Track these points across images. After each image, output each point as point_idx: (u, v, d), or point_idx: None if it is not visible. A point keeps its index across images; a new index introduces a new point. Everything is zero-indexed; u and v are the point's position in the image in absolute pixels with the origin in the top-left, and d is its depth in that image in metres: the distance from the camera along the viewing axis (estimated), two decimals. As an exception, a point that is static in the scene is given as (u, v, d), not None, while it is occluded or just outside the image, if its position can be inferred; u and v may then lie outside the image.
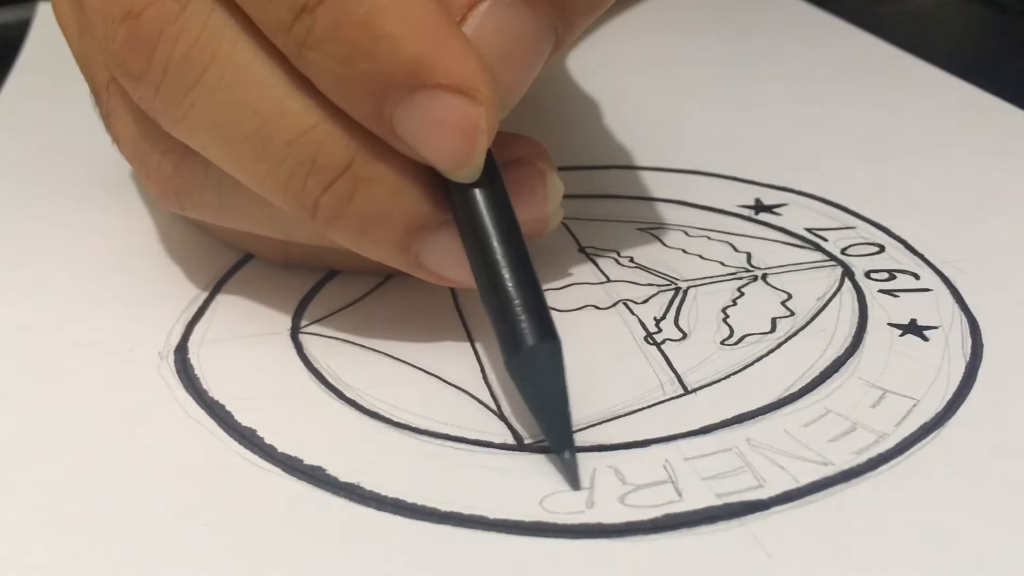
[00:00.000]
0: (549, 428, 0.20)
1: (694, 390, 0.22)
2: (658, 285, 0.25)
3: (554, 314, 0.24)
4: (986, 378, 0.22)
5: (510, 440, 0.21)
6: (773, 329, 0.24)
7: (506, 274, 0.20)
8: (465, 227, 0.21)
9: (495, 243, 0.21)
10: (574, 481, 0.19)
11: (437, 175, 0.21)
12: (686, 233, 0.28)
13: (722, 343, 0.23)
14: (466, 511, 0.19)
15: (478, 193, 0.21)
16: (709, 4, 0.46)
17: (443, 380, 0.22)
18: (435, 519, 0.19)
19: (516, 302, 0.20)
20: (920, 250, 0.26)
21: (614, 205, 0.29)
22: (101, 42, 0.21)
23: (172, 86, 0.21)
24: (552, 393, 0.20)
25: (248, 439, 0.21)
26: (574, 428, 0.21)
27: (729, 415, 0.21)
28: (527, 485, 0.19)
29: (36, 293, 0.26)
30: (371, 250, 0.22)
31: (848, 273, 0.26)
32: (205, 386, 0.22)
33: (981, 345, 0.23)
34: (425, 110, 0.20)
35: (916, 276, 0.25)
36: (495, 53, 0.21)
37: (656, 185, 0.30)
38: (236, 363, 0.23)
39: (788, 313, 0.24)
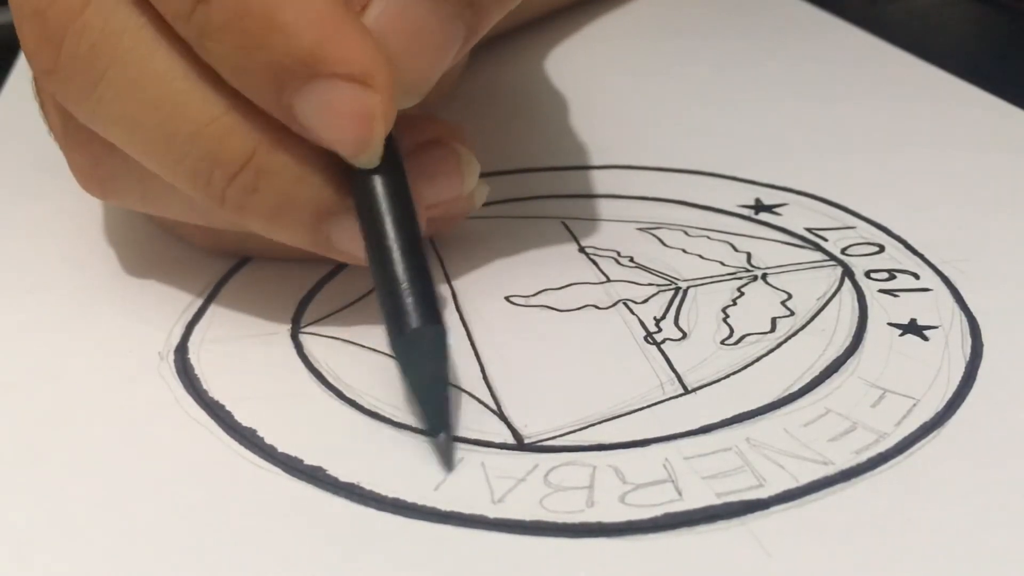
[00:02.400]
0: (426, 410, 0.21)
1: (694, 390, 0.22)
2: (658, 285, 0.25)
3: (552, 313, 0.24)
4: (986, 378, 0.22)
5: (510, 440, 0.21)
6: (773, 329, 0.24)
7: (396, 258, 0.21)
8: (363, 211, 0.21)
9: (388, 227, 0.21)
10: (448, 463, 0.20)
11: (341, 160, 0.21)
12: (686, 233, 0.28)
13: (722, 343, 0.23)
14: (466, 511, 0.19)
15: (376, 179, 0.21)
16: (709, 4, 0.46)
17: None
18: (435, 519, 0.19)
19: (404, 285, 0.21)
20: (920, 250, 0.26)
21: (614, 205, 0.29)
22: (20, 38, 0.22)
23: (80, 81, 0.21)
24: (433, 376, 0.21)
25: (248, 439, 0.21)
26: (574, 428, 0.21)
27: (729, 415, 0.21)
28: (527, 484, 0.19)
29: (36, 293, 0.26)
30: (283, 235, 0.22)
31: (848, 273, 0.26)
32: (205, 386, 0.22)
33: (981, 345, 0.23)
34: (322, 98, 0.20)
35: (916, 276, 0.25)
36: (398, 42, 0.21)
37: (656, 185, 0.30)
38: (236, 363, 0.23)
39: (788, 313, 0.24)
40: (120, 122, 0.21)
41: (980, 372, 0.22)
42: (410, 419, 0.21)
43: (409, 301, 0.20)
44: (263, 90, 0.20)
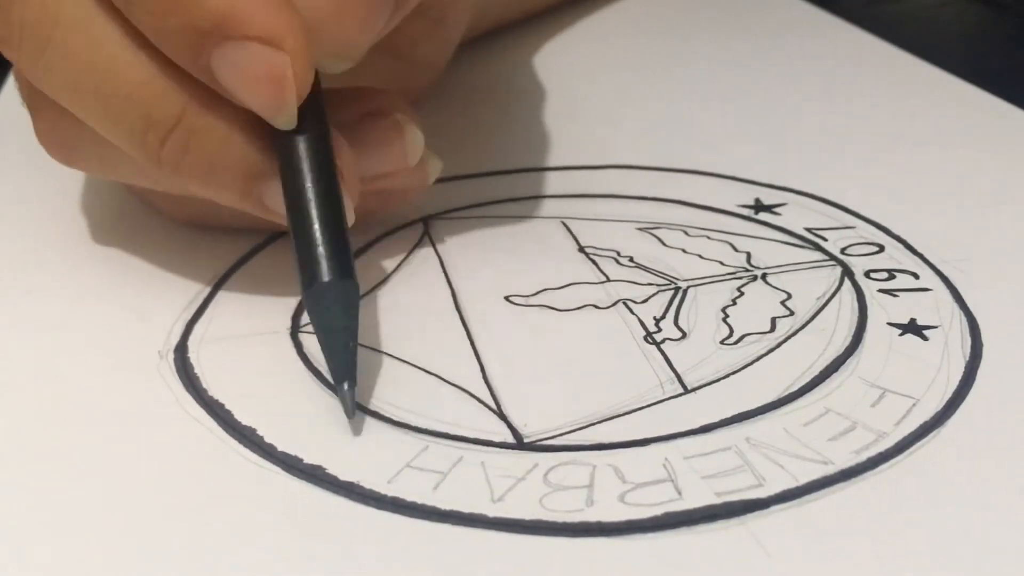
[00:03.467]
0: (333, 360, 0.21)
1: (694, 389, 0.22)
2: (658, 285, 0.25)
3: (552, 313, 0.24)
4: (985, 377, 0.22)
5: (510, 439, 0.21)
6: (773, 329, 0.24)
7: (313, 214, 0.22)
8: (284, 171, 0.22)
9: (306, 186, 0.22)
10: (349, 411, 0.21)
11: (269, 125, 0.22)
12: (686, 233, 0.28)
13: (722, 342, 0.23)
14: (466, 510, 0.19)
15: (297, 140, 0.22)
16: (709, 4, 0.46)
17: (443, 379, 0.22)
18: (435, 518, 0.19)
19: (318, 240, 0.21)
20: (920, 250, 0.26)
21: (614, 205, 0.29)
22: None
23: (29, 48, 0.22)
24: (342, 329, 0.21)
25: (248, 438, 0.21)
26: (573, 427, 0.21)
27: (729, 414, 0.21)
28: (527, 484, 0.19)
29: (36, 293, 0.26)
30: (218, 195, 0.23)
31: (848, 273, 0.26)
32: (205, 385, 0.22)
33: (981, 345, 0.23)
34: (235, 60, 0.21)
35: (916, 276, 0.25)
36: (321, 7, 0.22)
37: (656, 185, 0.30)
38: (236, 362, 0.23)
39: (788, 313, 0.24)
40: (65, 86, 0.22)
41: (980, 372, 0.22)
42: (410, 417, 0.21)
43: (320, 254, 0.21)
44: (183, 52, 0.21)
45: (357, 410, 0.21)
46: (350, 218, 0.23)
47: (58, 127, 0.24)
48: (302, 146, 0.22)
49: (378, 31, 0.23)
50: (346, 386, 0.21)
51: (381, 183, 0.26)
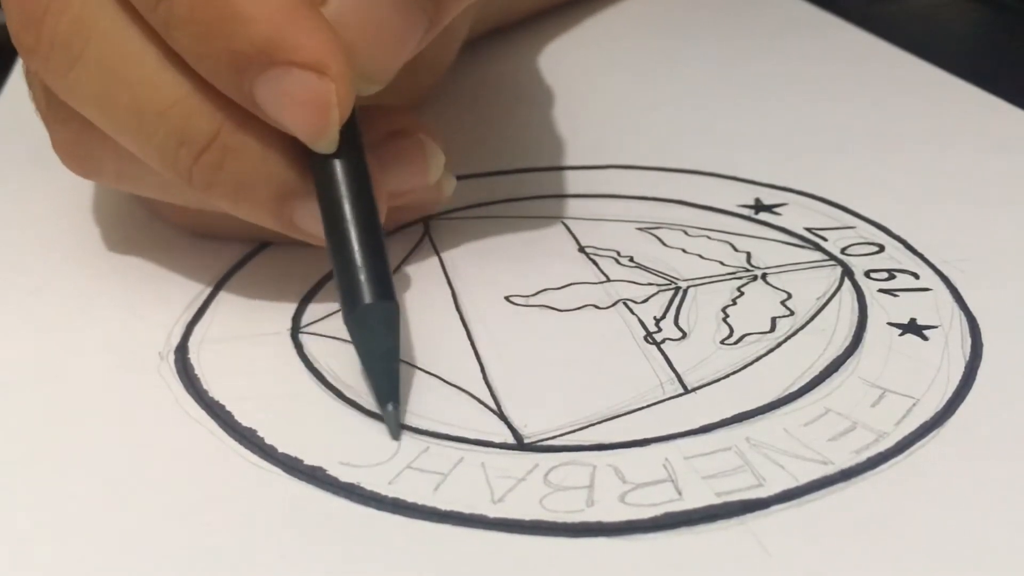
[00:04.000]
0: (377, 382, 0.21)
1: (694, 389, 0.22)
2: (658, 285, 0.25)
3: (552, 313, 0.24)
4: (986, 377, 0.22)
5: (510, 439, 0.21)
6: (773, 328, 0.24)
7: (352, 238, 0.22)
8: (322, 193, 0.22)
9: (345, 209, 0.22)
10: (394, 432, 0.21)
11: (303, 144, 0.22)
12: (686, 233, 0.28)
13: (722, 342, 0.23)
14: (466, 510, 0.19)
15: (335, 163, 0.22)
16: (710, 4, 0.46)
17: (443, 380, 0.22)
18: (435, 518, 0.19)
19: (359, 263, 0.22)
20: (920, 250, 0.26)
21: (614, 205, 0.29)
22: (6, 17, 0.23)
23: (58, 60, 0.22)
24: (384, 350, 0.22)
25: (248, 439, 0.21)
26: (573, 428, 0.21)
27: (729, 414, 0.21)
28: (527, 484, 0.19)
29: (37, 293, 0.26)
30: (248, 214, 0.23)
31: (848, 273, 0.26)
32: (205, 386, 0.22)
33: (981, 344, 0.23)
34: (279, 85, 0.21)
35: (916, 276, 0.25)
36: (358, 32, 0.22)
37: (656, 185, 0.30)
38: (236, 363, 0.23)
39: (788, 312, 0.24)
40: (95, 100, 0.22)
41: (980, 372, 0.22)
42: (410, 418, 0.21)
43: (362, 278, 0.21)
44: (224, 77, 0.21)
45: (362, 413, 0.21)
46: None
47: (79, 140, 0.24)
48: (340, 169, 0.22)
49: (408, 54, 0.23)
50: (391, 407, 0.21)
51: (402, 199, 0.26)
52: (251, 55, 0.21)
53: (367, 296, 0.21)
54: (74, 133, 0.24)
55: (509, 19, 0.41)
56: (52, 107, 0.24)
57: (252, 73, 0.21)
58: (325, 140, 0.22)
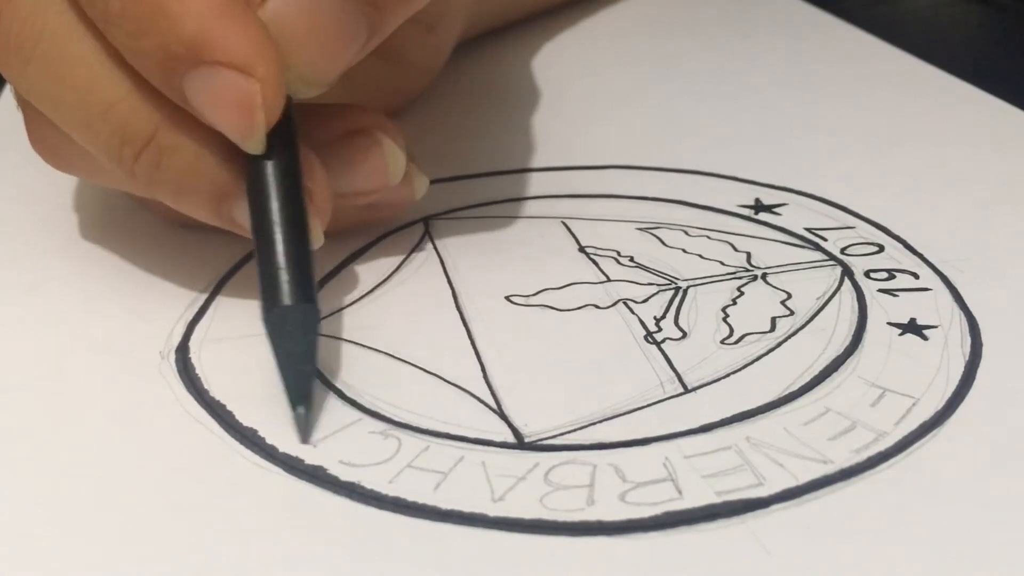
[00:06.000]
0: (289, 383, 0.21)
1: (694, 389, 0.22)
2: (658, 284, 0.25)
3: (553, 313, 0.24)
4: (985, 377, 0.22)
5: (510, 439, 0.21)
6: (773, 328, 0.24)
7: (277, 238, 0.22)
8: (252, 194, 0.22)
9: (272, 210, 0.22)
10: (304, 435, 0.21)
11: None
12: (686, 233, 0.28)
13: (722, 342, 0.23)
14: (467, 509, 0.19)
15: (265, 164, 0.22)
16: (709, 4, 0.46)
17: (443, 379, 0.22)
18: (436, 518, 0.19)
19: (281, 264, 0.22)
20: (919, 249, 0.26)
21: (614, 205, 0.29)
22: None
23: (14, 58, 0.23)
24: (301, 352, 0.21)
25: (249, 439, 0.21)
26: (574, 427, 0.21)
27: (729, 413, 0.21)
28: (527, 483, 0.20)
29: (37, 293, 0.26)
30: (189, 210, 0.23)
31: (848, 272, 0.26)
32: (206, 386, 0.22)
33: (980, 344, 0.23)
34: (206, 84, 0.21)
35: (915, 275, 0.25)
36: (295, 35, 0.22)
37: (656, 185, 0.30)
38: (237, 363, 0.23)
39: (788, 312, 0.24)
40: (47, 99, 0.23)
41: (979, 371, 0.22)
42: (411, 417, 0.21)
43: (283, 279, 0.21)
44: (156, 73, 0.22)
45: (363, 413, 0.21)
46: (318, 240, 0.23)
47: (47, 133, 0.25)
48: (269, 171, 0.22)
49: (349, 59, 0.23)
50: (300, 410, 0.21)
51: (365, 199, 0.26)
52: (180, 53, 0.21)
53: (286, 297, 0.21)
54: (46, 127, 0.24)
55: (504, 22, 0.41)
56: (23, 101, 0.25)
57: (182, 71, 0.21)
58: (252, 140, 0.22)
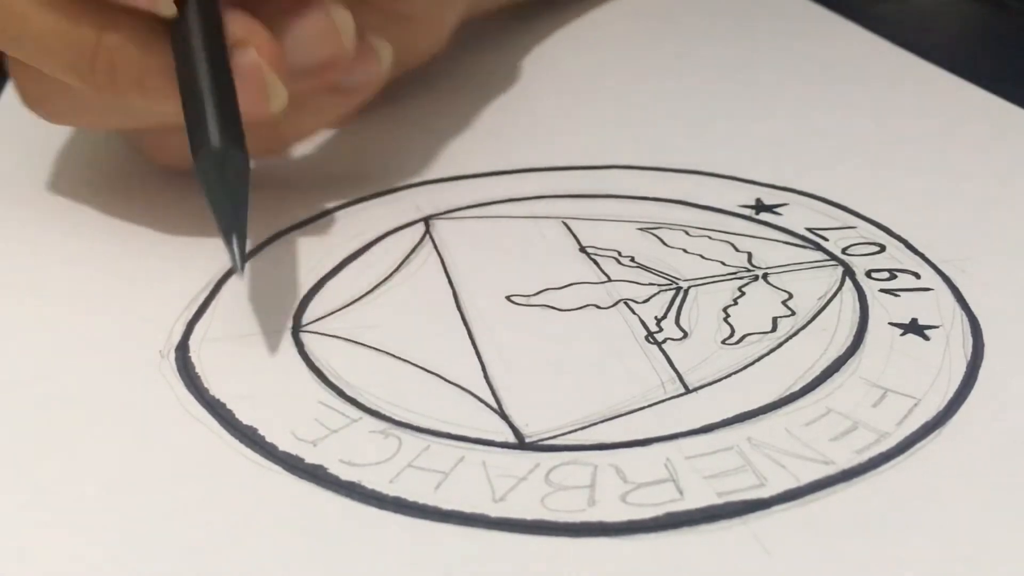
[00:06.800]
0: (221, 217, 0.22)
1: (695, 389, 0.22)
2: (659, 285, 0.25)
3: (553, 313, 0.24)
4: (987, 377, 0.22)
5: (511, 438, 0.21)
6: (774, 328, 0.24)
7: (203, 80, 0.22)
8: (175, 45, 0.23)
9: (195, 49, 0.23)
10: (236, 265, 0.22)
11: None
12: (687, 233, 0.28)
13: (723, 342, 0.23)
14: (468, 510, 0.19)
15: (183, 20, 0.24)
16: (710, 3, 0.46)
17: (444, 379, 0.22)
18: (436, 518, 0.19)
19: (207, 104, 0.22)
20: (921, 249, 0.26)
21: (614, 205, 0.29)
22: None
23: None
24: (233, 192, 0.22)
25: (249, 438, 0.21)
26: (575, 427, 0.21)
27: (730, 414, 0.21)
28: (528, 483, 0.19)
29: (37, 292, 0.26)
30: (157, 103, 0.25)
31: (849, 273, 0.26)
32: (206, 384, 0.22)
33: (982, 344, 0.23)
34: None
35: (917, 276, 0.25)
36: None
37: (657, 185, 0.30)
38: (237, 362, 0.23)
39: (789, 312, 0.24)
40: (14, 42, 0.25)
41: (981, 372, 0.22)
42: (411, 417, 0.21)
43: (210, 117, 0.22)
44: None
45: (364, 412, 0.21)
46: (278, 97, 0.24)
47: (34, 84, 0.26)
48: (188, 25, 0.23)
49: None
50: (235, 239, 0.21)
51: (329, 74, 0.26)
52: None
53: (214, 139, 0.22)
54: (30, 79, 0.26)
55: (506, 3, 0.41)
56: (10, 61, 0.26)
57: None
58: (163, 2, 0.23)
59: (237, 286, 0.26)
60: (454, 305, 0.25)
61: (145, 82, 0.24)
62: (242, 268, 0.22)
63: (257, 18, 0.25)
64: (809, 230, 0.28)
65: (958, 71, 0.37)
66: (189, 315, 0.25)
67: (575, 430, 0.21)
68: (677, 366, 0.22)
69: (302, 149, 0.33)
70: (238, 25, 0.25)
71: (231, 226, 0.22)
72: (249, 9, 0.25)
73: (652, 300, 0.25)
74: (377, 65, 0.27)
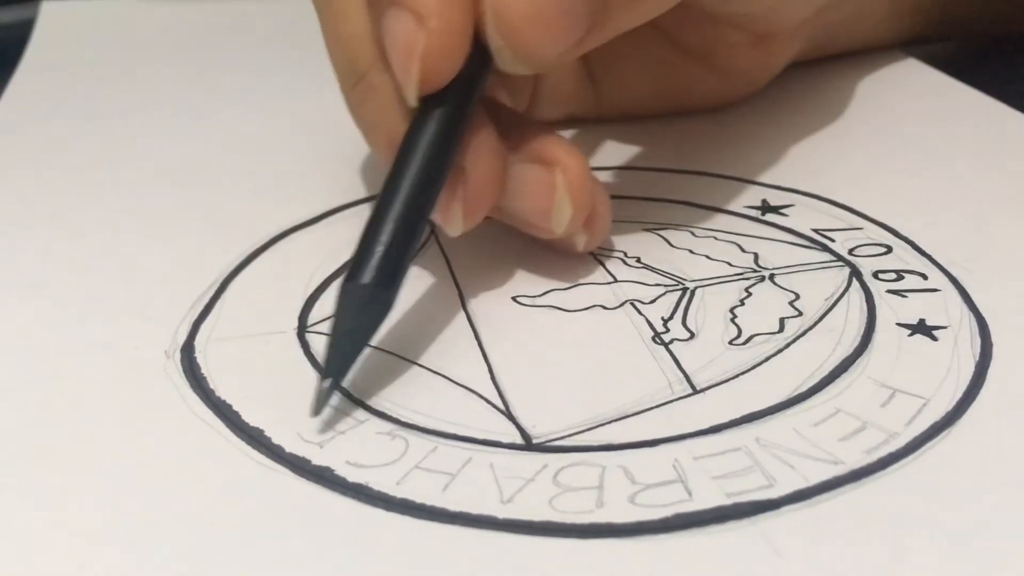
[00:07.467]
0: (333, 355, 0.21)
1: (703, 390, 0.22)
2: (665, 285, 0.25)
3: (560, 314, 0.24)
4: (996, 377, 0.22)
5: (518, 440, 0.21)
6: (781, 329, 0.24)
7: (393, 211, 0.22)
8: (399, 151, 0.23)
9: (403, 175, 0.22)
10: (315, 408, 0.21)
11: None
12: (693, 233, 0.28)
13: (730, 343, 0.23)
14: (475, 511, 0.19)
15: (417, 127, 0.22)
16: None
17: (450, 380, 0.22)
18: (444, 519, 0.19)
19: (382, 239, 0.21)
20: (927, 250, 0.26)
21: (621, 205, 0.29)
22: None
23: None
24: (356, 329, 0.21)
25: (255, 439, 0.21)
26: (582, 428, 0.21)
27: (738, 414, 0.21)
28: (536, 485, 0.19)
29: (41, 293, 0.26)
30: (374, 150, 0.26)
31: (856, 273, 0.26)
32: (212, 385, 0.22)
33: (990, 345, 0.23)
34: (392, 25, 0.22)
35: (924, 276, 0.25)
36: (518, 10, 0.22)
37: (663, 186, 0.30)
38: (243, 362, 0.23)
39: (796, 313, 0.24)
40: (324, 29, 0.26)
41: (990, 372, 0.22)
42: (418, 418, 0.21)
43: (377, 256, 0.21)
44: (371, 8, 0.24)
45: (369, 413, 0.21)
46: (454, 227, 0.24)
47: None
48: (415, 135, 0.22)
49: (562, 49, 0.23)
50: (327, 383, 0.21)
51: (527, 229, 0.25)
52: None
53: (368, 275, 0.21)
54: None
55: (845, 51, 0.38)
56: None
57: (382, 7, 0.23)
58: (407, 89, 0.23)
59: (243, 286, 0.26)
60: (460, 306, 0.25)
61: (371, 129, 0.25)
62: (316, 413, 0.21)
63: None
64: (815, 231, 0.28)
65: (964, 75, 0.37)
66: (194, 315, 0.25)
67: (583, 431, 0.21)
68: (684, 367, 0.22)
69: (308, 148, 0.33)
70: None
71: (336, 368, 0.21)
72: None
73: (659, 301, 0.25)
74: (571, 247, 0.26)
